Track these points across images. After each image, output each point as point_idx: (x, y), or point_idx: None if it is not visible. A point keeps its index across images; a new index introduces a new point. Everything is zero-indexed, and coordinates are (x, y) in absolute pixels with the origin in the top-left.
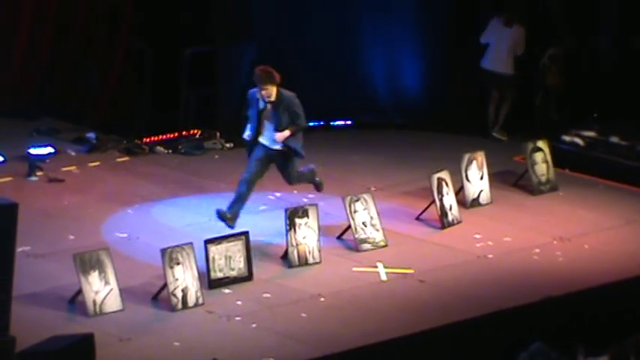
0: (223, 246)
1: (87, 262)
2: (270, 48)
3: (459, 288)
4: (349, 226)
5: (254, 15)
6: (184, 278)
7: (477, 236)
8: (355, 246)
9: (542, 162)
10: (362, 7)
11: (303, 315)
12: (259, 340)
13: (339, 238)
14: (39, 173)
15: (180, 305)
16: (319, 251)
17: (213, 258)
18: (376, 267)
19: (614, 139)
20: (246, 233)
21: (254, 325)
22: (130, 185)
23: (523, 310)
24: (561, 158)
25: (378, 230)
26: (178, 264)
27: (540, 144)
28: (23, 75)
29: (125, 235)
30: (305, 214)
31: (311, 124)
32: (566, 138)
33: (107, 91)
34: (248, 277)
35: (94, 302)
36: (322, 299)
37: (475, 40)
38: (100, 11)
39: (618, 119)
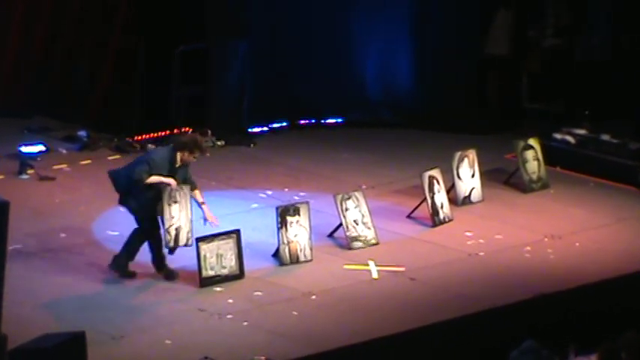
0: (215, 244)
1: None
2: (262, 46)
3: (450, 286)
4: (340, 224)
5: (246, 13)
6: (179, 217)
7: (469, 234)
8: (346, 244)
9: (533, 160)
10: (354, 5)
11: (295, 313)
12: (251, 338)
13: (330, 236)
14: (30, 171)
15: (172, 243)
16: (311, 249)
17: (205, 256)
18: (367, 265)
19: (605, 137)
20: (237, 231)
21: (245, 323)
22: None
23: (514, 307)
24: (552, 156)
25: (369, 228)
26: (176, 202)
27: (531, 142)
28: (15, 73)
29: (116, 233)
30: (296, 212)
31: (302, 121)
32: (558, 136)
33: (98, 90)
34: (239, 275)
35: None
36: (313, 297)
37: (468, 37)
38: (92, 10)
39: (609, 117)
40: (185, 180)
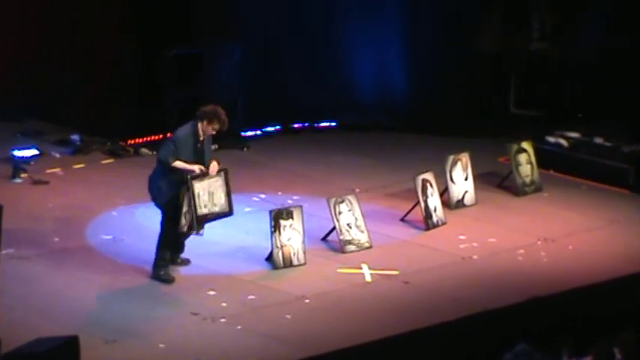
0: (206, 182)
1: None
2: (256, 49)
3: (444, 289)
4: (334, 228)
5: (239, 16)
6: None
7: (462, 237)
8: (340, 247)
9: (526, 163)
10: (348, 8)
11: (288, 316)
12: (244, 342)
13: (323, 239)
14: (23, 175)
15: (185, 228)
16: (304, 253)
17: (198, 194)
18: (361, 268)
19: (599, 140)
20: (225, 169)
21: (239, 327)
22: (115, 187)
23: (508, 310)
24: (546, 159)
25: (362, 232)
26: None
27: (525, 145)
28: (8, 77)
29: (110, 237)
30: (290, 215)
31: (296, 125)
32: (551, 139)
33: (92, 93)
34: (229, 212)
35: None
36: (307, 301)
37: (461, 40)
38: (85, 14)
39: (602, 120)
40: (211, 153)
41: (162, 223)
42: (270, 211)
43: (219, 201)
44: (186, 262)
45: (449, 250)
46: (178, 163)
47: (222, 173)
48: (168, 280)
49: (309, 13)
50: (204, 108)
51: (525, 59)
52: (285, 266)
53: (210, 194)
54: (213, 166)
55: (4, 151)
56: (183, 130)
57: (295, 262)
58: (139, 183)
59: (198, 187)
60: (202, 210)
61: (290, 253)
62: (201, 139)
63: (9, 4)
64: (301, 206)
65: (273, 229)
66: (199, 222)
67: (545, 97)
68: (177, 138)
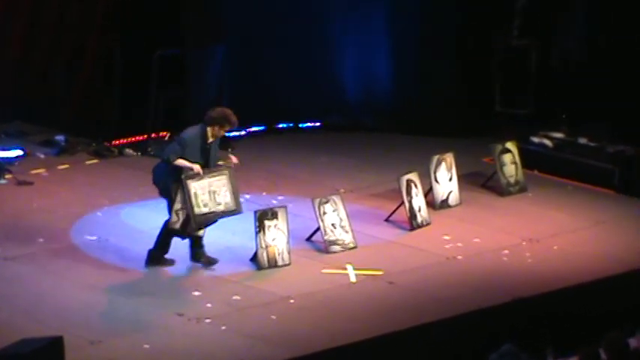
0: (205, 181)
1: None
2: (240, 50)
3: (429, 289)
4: (318, 228)
5: (224, 17)
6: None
7: (446, 237)
8: (325, 248)
9: (510, 163)
10: (332, 8)
11: (273, 317)
12: (229, 343)
13: (308, 239)
14: (8, 176)
15: (178, 225)
16: (289, 253)
17: (195, 194)
18: (346, 269)
19: (583, 141)
20: (229, 168)
21: (224, 328)
22: (100, 188)
23: (493, 311)
24: (530, 159)
25: (347, 232)
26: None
27: (509, 145)
28: None
29: (95, 237)
30: (274, 216)
31: (280, 125)
32: (535, 139)
33: (76, 94)
34: (235, 209)
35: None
36: (292, 301)
37: (446, 41)
38: (70, 14)
39: (587, 121)
40: (217, 155)
41: (165, 224)
42: (255, 212)
43: (224, 199)
44: (171, 262)
45: (433, 251)
46: (180, 161)
47: (225, 172)
48: (169, 262)
49: (294, 14)
50: (212, 113)
51: (509, 57)
52: (269, 266)
53: (212, 193)
54: (232, 158)
55: None
56: (191, 132)
57: (280, 263)
58: (124, 183)
59: (195, 186)
60: (202, 209)
61: (275, 254)
62: (209, 142)
63: None
64: (286, 206)
65: (257, 230)
66: (197, 222)
67: (529, 97)
68: (183, 140)
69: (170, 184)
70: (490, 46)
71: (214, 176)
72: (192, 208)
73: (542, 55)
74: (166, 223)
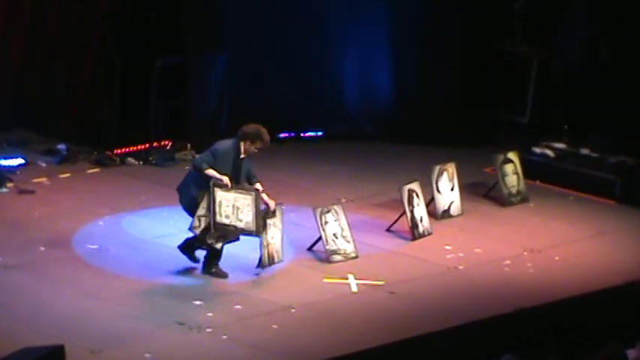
0: (232, 195)
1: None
2: (241, 59)
3: (430, 299)
4: (320, 238)
5: (224, 26)
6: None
7: (448, 248)
8: (326, 257)
9: (512, 173)
10: (333, 17)
11: (274, 326)
12: (230, 352)
13: (309, 249)
14: (9, 185)
15: (198, 231)
16: (282, 250)
17: (220, 202)
18: (347, 278)
19: (585, 151)
20: (256, 191)
21: (225, 337)
22: (101, 197)
23: (494, 321)
24: (532, 170)
25: (348, 242)
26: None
27: (511, 155)
28: None
29: (96, 246)
30: (273, 214)
31: (281, 135)
32: (537, 150)
33: (77, 102)
34: (255, 231)
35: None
36: (293, 311)
37: (447, 50)
38: (70, 22)
39: (589, 131)
40: (248, 171)
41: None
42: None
43: (246, 218)
44: (225, 275)
45: (435, 261)
46: (210, 171)
47: (252, 193)
48: (223, 275)
49: (295, 24)
50: (246, 128)
51: (509, 64)
52: (269, 263)
53: (235, 208)
54: (272, 204)
55: None
56: (225, 145)
57: (276, 260)
58: (125, 192)
59: (221, 195)
60: (222, 219)
61: (273, 251)
62: (242, 157)
63: None
64: (282, 203)
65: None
66: (217, 229)
67: (528, 106)
68: (217, 151)
69: (193, 192)
70: (491, 54)
71: (241, 193)
72: (214, 214)
73: (543, 63)
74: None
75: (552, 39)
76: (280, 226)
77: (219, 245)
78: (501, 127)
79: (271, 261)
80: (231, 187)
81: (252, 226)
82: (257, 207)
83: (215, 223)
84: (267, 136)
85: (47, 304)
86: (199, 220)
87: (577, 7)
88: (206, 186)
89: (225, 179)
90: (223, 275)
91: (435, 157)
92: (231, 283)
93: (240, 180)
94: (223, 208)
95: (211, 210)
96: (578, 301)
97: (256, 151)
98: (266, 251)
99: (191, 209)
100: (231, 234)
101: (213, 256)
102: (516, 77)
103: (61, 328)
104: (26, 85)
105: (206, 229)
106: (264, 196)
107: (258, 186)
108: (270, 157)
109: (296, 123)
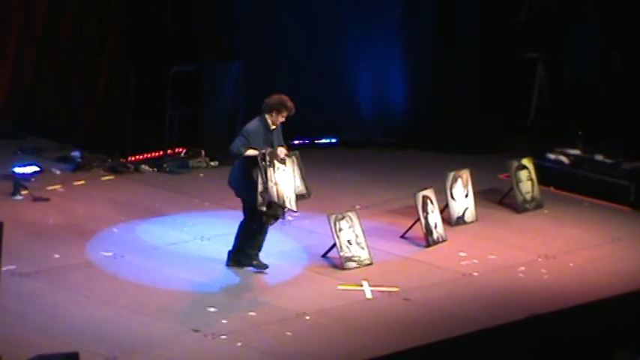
0: (277, 165)
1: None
2: (254, 66)
3: (444, 306)
4: (334, 244)
5: (238, 33)
6: (276, 181)
7: (462, 254)
8: (340, 264)
9: (527, 180)
10: (346, 25)
11: (289, 333)
12: (244, 359)
13: (324, 256)
14: (24, 192)
15: (263, 207)
16: (294, 200)
17: (270, 174)
18: (361, 285)
19: (599, 157)
20: (295, 153)
21: (239, 344)
22: (115, 204)
23: (508, 328)
24: (546, 176)
25: (363, 248)
26: (271, 166)
27: (525, 162)
28: (8, 94)
29: (110, 253)
30: (282, 160)
31: (296, 142)
32: (551, 156)
33: (92, 110)
34: (306, 194)
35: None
36: (307, 318)
37: (459, 57)
38: (84, 31)
39: (603, 137)
40: (279, 141)
41: (247, 214)
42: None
43: (295, 183)
44: (264, 266)
45: (449, 267)
46: (250, 151)
47: (293, 158)
48: (264, 266)
49: (308, 31)
50: (269, 100)
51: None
52: (279, 203)
53: (283, 175)
54: (281, 151)
55: (5, 168)
56: (252, 124)
57: (287, 205)
58: (140, 200)
59: (269, 167)
60: (276, 186)
61: (283, 194)
62: (272, 129)
63: (9, 20)
64: (296, 154)
65: (269, 164)
66: (271, 195)
67: (534, 113)
68: (247, 132)
69: (245, 182)
70: (504, 60)
71: (282, 164)
72: (266, 181)
73: (555, 70)
74: (242, 225)
75: (563, 45)
76: (291, 176)
77: (272, 220)
78: (512, 133)
79: (281, 202)
80: (273, 156)
81: (302, 189)
82: (301, 169)
83: (268, 190)
84: (290, 103)
85: (61, 312)
86: (262, 197)
87: (587, 16)
88: (253, 169)
89: (268, 149)
90: (263, 266)
91: (449, 164)
92: (245, 289)
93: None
94: (276, 176)
95: (262, 178)
96: (593, 308)
97: (283, 119)
98: (275, 188)
99: (249, 195)
100: (280, 209)
101: (256, 247)
102: (525, 83)
103: (75, 335)
104: (41, 93)
105: (270, 203)
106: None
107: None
108: None
109: (310, 130)
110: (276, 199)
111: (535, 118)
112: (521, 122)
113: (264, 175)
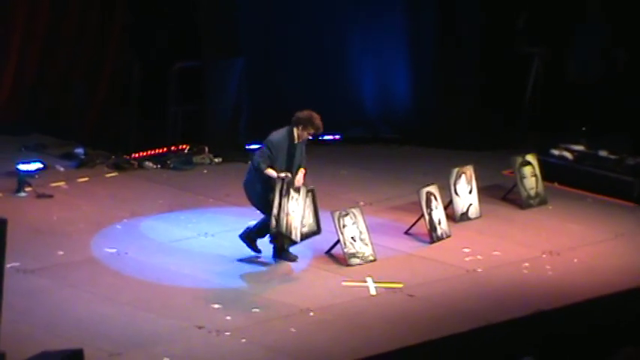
0: (293, 193)
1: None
2: (258, 63)
3: (449, 302)
4: (338, 241)
5: (242, 29)
6: (289, 210)
7: (466, 250)
8: (344, 260)
9: (531, 176)
10: (350, 21)
11: (293, 330)
12: (249, 355)
13: (328, 252)
14: (28, 189)
15: (275, 229)
16: (300, 232)
17: (283, 204)
18: (365, 281)
19: (603, 153)
20: (312, 189)
21: (244, 340)
22: (119, 200)
23: (512, 324)
24: (550, 172)
25: (367, 245)
26: (287, 195)
27: (529, 158)
28: (12, 91)
29: (114, 250)
30: (297, 190)
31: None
32: (555, 152)
33: (95, 107)
34: (317, 231)
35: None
36: (312, 314)
37: (464, 53)
38: (88, 28)
39: (607, 133)
40: (302, 156)
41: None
42: (284, 178)
43: (307, 221)
44: (294, 258)
45: (453, 263)
46: (269, 171)
47: (309, 194)
48: (293, 258)
49: (312, 27)
50: (299, 114)
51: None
52: (286, 232)
53: (296, 207)
54: (298, 180)
55: (9, 164)
56: (278, 135)
57: (293, 236)
58: (144, 196)
59: (285, 199)
60: (286, 220)
61: (291, 225)
62: (296, 142)
63: (12, 17)
64: (311, 190)
65: (284, 194)
66: (284, 234)
67: (550, 110)
68: (271, 143)
69: (259, 189)
70: (505, 57)
71: (298, 197)
72: (280, 210)
73: (556, 67)
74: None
75: (568, 43)
76: (302, 205)
77: (294, 238)
78: (515, 129)
79: (288, 232)
80: (290, 185)
81: (314, 227)
82: (315, 205)
83: (281, 215)
84: (318, 122)
85: (65, 308)
86: (275, 220)
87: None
88: (269, 185)
89: (288, 175)
90: (294, 258)
91: (453, 160)
92: (249, 286)
93: (295, 166)
94: (289, 206)
95: (277, 203)
96: (598, 303)
97: (309, 136)
98: (285, 218)
99: (261, 205)
100: (297, 232)
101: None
102: (525, 79)
103: (79, 331)
104: (44, 90)
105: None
106: (300, 173)
107: (300, 173)
108: None
109: None
110: (284, 230)
111: (530, 114)
112: (517, 118)
113: (279, 202)
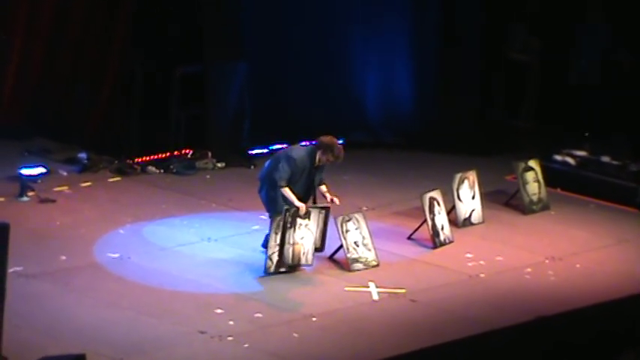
0: (304, 220)
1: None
2: (261, 67)
3: (451, 308)
4: (341, 246)
5: (244, 34)
6: (295, 240)
7: (469, 256)
8: (347, 266)
9: (533, 181)
10: (354, 26)
11: (295, 335)
12: None
13: (330, 257)
14: (30, 193)
15: (272, 269)
16: (313, 255)
17: (291, 232)
18: (368, 287)
19: (606, 159)
20: (327, 208)
21: (246, 346)
22: (122, 205)
23: (515, 329)
24: (553, 177)
25: (369, 250)
26: (292, 227)
27: (532, 163)
28: (14, 95)
29: (117, 255)
30: (307, 216)
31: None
32: (558, 157)
33: (98, 111)
34: (319, 247)
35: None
36: (314, 319)
37: (464, 57)
38: (91, 32)
39: (610, 138)
40: (321, 177)
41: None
42: (286, 210)
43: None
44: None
45: (456, 269)
46: (287, 192)
47: (323, 211)
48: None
49: (315, 31)
50: (322, 138)
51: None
52: (292, 264)
53: (305, 233)
54: (303, 207)
55: (12, 169)
56: (301, 152)
57: (303, 262)
58: (147, 201)
59: (291, 231)
60: (290, 252)
61: (300, 252)
62: (316, 165)
63: (15, 23)
64: (327, 208)
65: (289, 225)
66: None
67: (554, 115)
68: (293, 159)
69: (272, 193)
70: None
71: (308, 217)
72: (283, 242)
73: (555, 71)
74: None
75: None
76: (314, 229)
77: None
78: (517, 134)
79: (295, 261)
80: (296, 215)
81: (317, 242)
82: (325, 224)
83: (289, 256)
84: (337, 151)
85: (68, 313)
86: (270, 260)
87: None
88: (280, 202)
89: (302, 208)
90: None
91: (456, 165)
92: (251, 291)
93: (314, 185)
94: (295, 236)
95: (279, 237)
96: (600, 309)
97: (327, 162)
98: (291, 249)
99: (268, 205)
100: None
101: None
102: (526, 83)
103: (82, 336)
104: (47, 94)
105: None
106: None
107: (322, 188)
108: None
109: (316, 131)
110: (290, 261)
111: (526, 119)
112: (516, 123)
113: (281, 238)
